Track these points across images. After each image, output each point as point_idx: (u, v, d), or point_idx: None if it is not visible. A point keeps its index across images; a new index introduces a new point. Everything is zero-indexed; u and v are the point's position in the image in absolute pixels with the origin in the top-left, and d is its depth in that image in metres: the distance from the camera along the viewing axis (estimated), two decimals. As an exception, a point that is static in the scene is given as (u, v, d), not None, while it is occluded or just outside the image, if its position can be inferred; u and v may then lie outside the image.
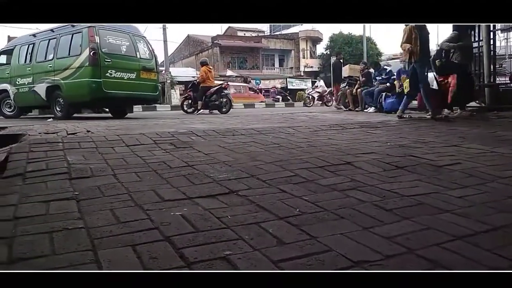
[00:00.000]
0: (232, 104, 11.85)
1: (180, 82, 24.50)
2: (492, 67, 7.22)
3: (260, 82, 31.88)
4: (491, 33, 7.26)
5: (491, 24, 7.11)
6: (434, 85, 7.51)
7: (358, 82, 9.91)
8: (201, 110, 10.52)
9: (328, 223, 1.56)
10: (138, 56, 8.62)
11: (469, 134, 4.13)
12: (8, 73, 9.33)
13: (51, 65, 8.35)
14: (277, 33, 41.98)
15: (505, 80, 8.76)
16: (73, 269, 1.19)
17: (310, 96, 18.00)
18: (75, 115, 8.77)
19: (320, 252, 1.28)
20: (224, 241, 1.38)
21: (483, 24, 6.95)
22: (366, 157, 2.80)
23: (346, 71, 10.69)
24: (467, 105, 6.97)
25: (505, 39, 9.94)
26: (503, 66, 9.68)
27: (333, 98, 11.17)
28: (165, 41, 23.19)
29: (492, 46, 7.27)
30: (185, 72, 26.75)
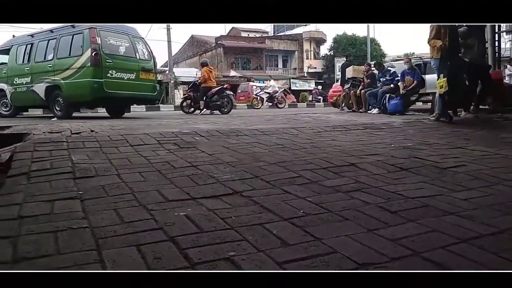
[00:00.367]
0: (234, 104, 11.86)
1: (183, 83, 24.54)
2: (497, 69, 7.19)
3: (263, 83, 31.88)
4: (496, 35, 7.24)
5: (496, 26, 7.07)
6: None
7: (362, 83, 9.90)
8: (202, 111, 10.53)
9: (332, 225, 1.56)
10: (138, 57, 8.75)
11: (473, 136, 4.11)
12: (4, 73, 9.38)
13: (50, 65, 8.42)
14: (281, 34, 41.96)
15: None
16: (77, 268, 1.19)
17: (258, 97, 17.72)
18: (73, 114, 8.82)
19: (325, 254, 1.28)
20: (228, 242, 1.38)
21: (488, 25, 6.91)
22: (370, 159, 2.79)
23: (349, 72, 10.67)
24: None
25: (510, 41, 9.92)
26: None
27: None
28: (169, 42, 23.25)
29: (497, 48, 7.25)
30: (189, 73, 26.78)
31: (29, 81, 8.79)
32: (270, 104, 17.47)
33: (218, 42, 34.72)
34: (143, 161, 2.79)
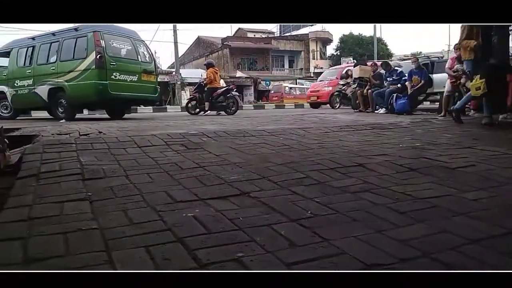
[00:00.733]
0: (240, 105, 11.88)
1: (190, 84, 24.60)
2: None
3: (270, 83, 31.87)
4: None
5: (506, 25, 6.97)
6: (447, 86, 7.45)
7: (369, 83, 9.85)
8: (208, 111, 10.54)
9: (340, 226, 1.55)
10: (139, 60, 8.98)
11: (482, 136, 4.08)
12: (5, 75, 9.50)
13: (53, 68, 8.58)
14: (287, 34, 41.90)
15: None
16: (87, 270, 1.20)
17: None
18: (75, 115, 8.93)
19: (333, 255, 1.27)
20: (237, 243, 1.38)
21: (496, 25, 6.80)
22: (378, 159, 2.78)
23: (356, 72, 10.63)
24: None
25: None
26: None
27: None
28: (175, 43, 23.34)
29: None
30: (195, 74, 26.85)
31: (31, 83, 8.94)
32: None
33: (225, 43, 34.78)
34: (151, 162, 2.80)
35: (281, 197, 1.94)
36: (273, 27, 44.95)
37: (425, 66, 9.14)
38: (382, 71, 9.62)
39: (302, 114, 8.47)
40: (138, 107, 13.82)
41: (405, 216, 1.64)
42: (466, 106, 6.50)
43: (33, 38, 9.51)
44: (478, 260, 1.22)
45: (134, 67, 8.77)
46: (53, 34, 9.00)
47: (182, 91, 24.42)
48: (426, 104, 10.56)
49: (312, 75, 36.80)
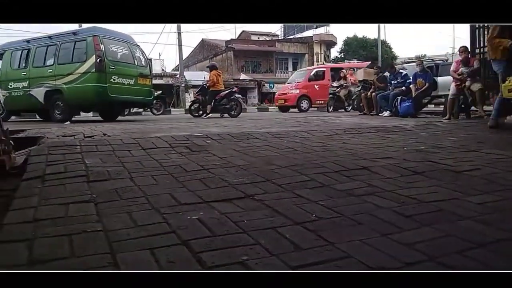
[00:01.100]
0: (243, 107, 11.89)
1: (194, 86, 24.67)
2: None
3: (273, 86, 31.88)
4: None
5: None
6: (452, 89, 7.42)
7: (373, 86, 9.84)
8: (210, 114, 10.56)
9: (345, 229, 1.54)
10: (136, 63, 9.29)
11: (487, 139, 4.06)
12: None
13: (51, 70, 8.76)
14: (291, 37, 41.96)
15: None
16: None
17: None
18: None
19: (338, 259, 1.27)
20: (241, 246, 1.38)
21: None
22: (382, 162, 2.77)
23: (360, 74, 10.62)
24: None
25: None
26: None
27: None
28: (180, 46, 23.41)
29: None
30: (200, 76, 26.94)
31: (26, 85, 9.10)
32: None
33: (229, 46, 34.88)
34: (155, 164, 2.80)
35: (286, 200, 1.94)
36: (277, 30, 45.08)
37: (430, 69, 9.12)
38: (386, 74, 9.61)
39: (306, 117, 8.47)
40: (143, 110, 14.02)
41: (410, 220, 1.63)
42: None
43: (27, 41, 9.69)
44: (484, 264, 1.22)
45: (131, 71, 9.06)
46: (50, 37, 9.23)
47: (186, 94, 24.48)
48: (431, 107, 10.52)
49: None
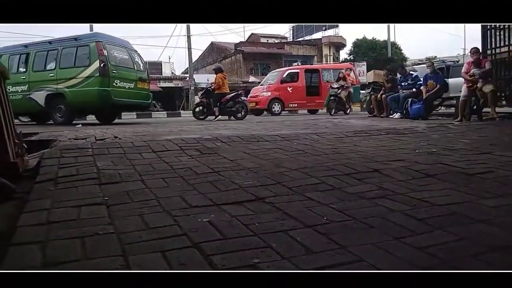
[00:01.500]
0: (249, 110, 11.84)
1: (203, 89, 24.79)
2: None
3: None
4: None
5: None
6: (463, 91, 7.34)
7: (383, 87, 9.78)
8: (218, 117, 10.57)
9: (357, 232, 1.53)
10: (135, 68, 9.59)
11: (500, 141, 4.00)
12: None
13: (52, 74, 8.95)
14: (300, 39, 41.90)
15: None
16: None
17: None
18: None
19: (350, 262, 1.26)
20: (252, 249, 1.38)
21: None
22: (394, 165, 2.75)
23: (370, 76, 10.57)
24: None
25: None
26: None
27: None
28: (189, 49, 23.56)
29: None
30: (209, 79, 27.06)
31: (25, 89, 9.24)
32: None
33: (238, 49, 34.93)
34: (166, 167, 2.82)
35: (296, 203, 1.93)
36: (286, 32, 45.08)
37: (441, 71, 9.03)
38: (397, 76, 9.55)
39: (315, 119, 8.44)
40: (153, 113, 14.25)
41: (422, 223, 1.61)
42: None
43: (25, 46, 9.87)
44: (498, 268, 1.20)
45: (131, 75, 9.34)
46: (50, 42, 9.47)
47: (195, 96, 24.59)
48: (442, 109, 10.42)
49: (325, 80, 36.65)
